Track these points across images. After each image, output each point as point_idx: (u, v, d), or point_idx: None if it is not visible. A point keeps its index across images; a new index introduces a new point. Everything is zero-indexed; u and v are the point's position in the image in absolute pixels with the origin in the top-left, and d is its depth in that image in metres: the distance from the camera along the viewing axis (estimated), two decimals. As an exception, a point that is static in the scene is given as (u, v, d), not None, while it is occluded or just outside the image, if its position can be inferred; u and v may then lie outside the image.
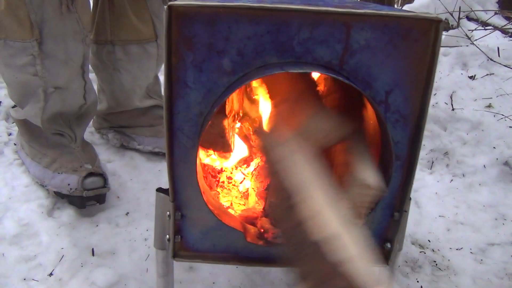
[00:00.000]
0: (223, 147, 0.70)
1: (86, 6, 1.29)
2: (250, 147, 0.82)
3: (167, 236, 0.65)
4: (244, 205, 0.77)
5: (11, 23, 1.16)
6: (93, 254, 1.19)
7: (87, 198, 1.29)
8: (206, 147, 0.72)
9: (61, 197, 1.32)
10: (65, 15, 1.19)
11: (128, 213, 1.36)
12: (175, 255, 0.66)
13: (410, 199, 0.68)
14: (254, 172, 0.80)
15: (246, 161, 0.81)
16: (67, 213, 1.30)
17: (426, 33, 0.55)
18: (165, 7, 0.51)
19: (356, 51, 0.57)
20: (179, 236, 0.65)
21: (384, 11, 0.55)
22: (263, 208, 0.69)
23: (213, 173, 0.80)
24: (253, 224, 0.68)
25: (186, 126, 0.59)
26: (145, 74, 1.54)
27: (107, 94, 1.57)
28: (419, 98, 0.59)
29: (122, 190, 1.47)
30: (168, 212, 0.63)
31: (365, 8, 0.56)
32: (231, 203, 0.78)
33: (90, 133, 1.74)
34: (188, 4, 0.52)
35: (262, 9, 0.53)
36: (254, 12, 0.54)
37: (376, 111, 0.59)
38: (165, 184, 1.63)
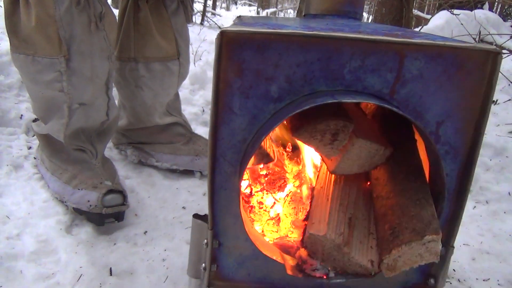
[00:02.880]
0: (263, 158, 0.68)
1: (114, 24, 1.30)
2: (284, 172, 0.80)
3: (203, 264, 0.62)
4: (276, 232, 0.75)
5: (41, 39, 1.17)
6: (111, 274, 1.16)
7: (106, 215, 1.27)
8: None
9: (80, 214, 1.31)
10: (93, 33, 1.20)
11: (146, 232, 1.34)
12: (210, 284, 0.63)
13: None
14: (286, 197, 0.78)
15: (279, 186, 0.79)
16: (85, 230, 1.28)
17: (483, 65, 0.53)
18: (218, 33, 0.50)
19: (408, 80, 0.55)
20: (215, 265, 0.63)
21: (439, 41, 0.53)
22: (302, 240, 0.67)
23: (246, 199, 0.78)
24: (288, 253, 0.66)
25: (229, 153, 0.57)
26: (167, 92, 1.54)
27: (128, 110, 1.57)
28: (472, 131, 0.57)
29: (140, 208, 1.45)
30: (205, 240, 0.61)
31: (418, 37, 0.54)
32: (263, 230, 0.76)
33: (108, 149, 1.74)
34: (240, 30, 0.51)
35: (315, 36, 0.52)
36: (306, 40, 0.52)
37: (427, 142, 0.57)
38: (183, 202, 1.61)
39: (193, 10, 1.54)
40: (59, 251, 1.19)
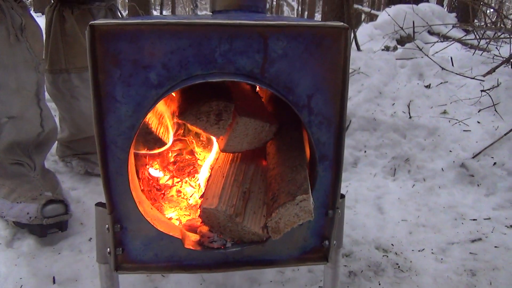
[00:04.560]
0: (155, 142, 0.71)
1: (38, 35, 1.30)
2: (195, 160, 0.84)
3: (108, 249, 0.65)
4: (189, 215, 0.79)
5: (-39, 56, 1.17)
6: (54, 282, 1.17)
7: (48, 226, 1.27)
8: (140, 149, 0.73)
9: (21, 227, 1.30)
10: (14, 45, 1.20)
11: (91, 238, 1.35)
12: (118, 268, 0.66)
13: (344, 196, 0.71)
14: (199, 183, 0.82)
15: (188, 173, 0.83)
16: (27, 243, 1.28)
17: (337, 40, 0.60)
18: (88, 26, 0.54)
19: (275, 60, 0.61)
20: (120, 249, 0.66)
21: (297, 21, 0.59)
22: (199, 215, 0.71)
23: (158, 187, 0.82)
24: (195, 232, 0.70)
25: (119, 139, 0.61)
26: None
27: (68, 121, 1.58)
28: (339, 100, 0.63)
29: (86, 217, 1.46)
30: (107, 225, 0.64)
31: (280, 20, 0.60)
32: (178, 216, 0.79)
33: (53, 162, 1.73)
34: (110, 23, 0.56)
35: (182, 24, 0.57)
36: (174, 28, 0.57)
37: (299, 115, 0.63)
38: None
39: (123, 17, 1.57)
40: (-2, 265, 1.19)
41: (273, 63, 0.61)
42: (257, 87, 0.81)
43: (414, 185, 1.73)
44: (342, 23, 0.59)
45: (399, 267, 1.28)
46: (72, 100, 1.49)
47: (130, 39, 0.57)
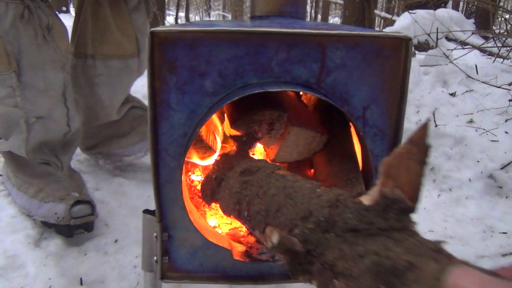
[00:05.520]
0: (206, 151, 0.71)
1: (64, 34, 1.29)
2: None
3: (155, 257, 0.65)
4: (230, 224, 0.78)
5: (-12, 56, 1.17)
6: (81, 284, 1.17)
7: (75, 226, 1.27)
8: (190, 157, 0.73)
9: (49, 227, 1.31)
10: (42, 45, 1.20)
11: (117, 240, 1.35)
12: (163, 277, 0.66)
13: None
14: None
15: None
16: (55, 243, 1.28)
17: (397, 51, 0.58)
18: (149, 33, 0.54)
19: (332, 69, 0.60)
20: (167, 257, 0.65)
21: (357, 31, 0.58)
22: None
23: (199, 194, 0.81)
24: (239, 242, 0.69)
25: (171, 147, 0.60)
26: (125, 89, 1.53)
27: (81, 108, 1.54)
28: (395, 112, 0.61)
29: (110, 218, 1.46)
30: (155, 233, 0.63)
31: (339, 29, 0.59)
32: (219, 223, 0.78)
33: (78, 162, 1.74)
34: (170, 30, 0.55)
35: (240, 32, 0.56)
36: (233, 36, 0.56)
37: (354, 126, 0.62)
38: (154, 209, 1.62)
39: (155, 6, 1.53)
40: (27, 265, 1.19)
41: (330, 72, 0.60)
42: (302, 95, 0.80)
43: (439, 195, 1.70)
44: (404, 34, 0.57)
45: (428, 279, 1.26)
46: (93, 86, 1.46)
47: (188, 46, 0.56)
